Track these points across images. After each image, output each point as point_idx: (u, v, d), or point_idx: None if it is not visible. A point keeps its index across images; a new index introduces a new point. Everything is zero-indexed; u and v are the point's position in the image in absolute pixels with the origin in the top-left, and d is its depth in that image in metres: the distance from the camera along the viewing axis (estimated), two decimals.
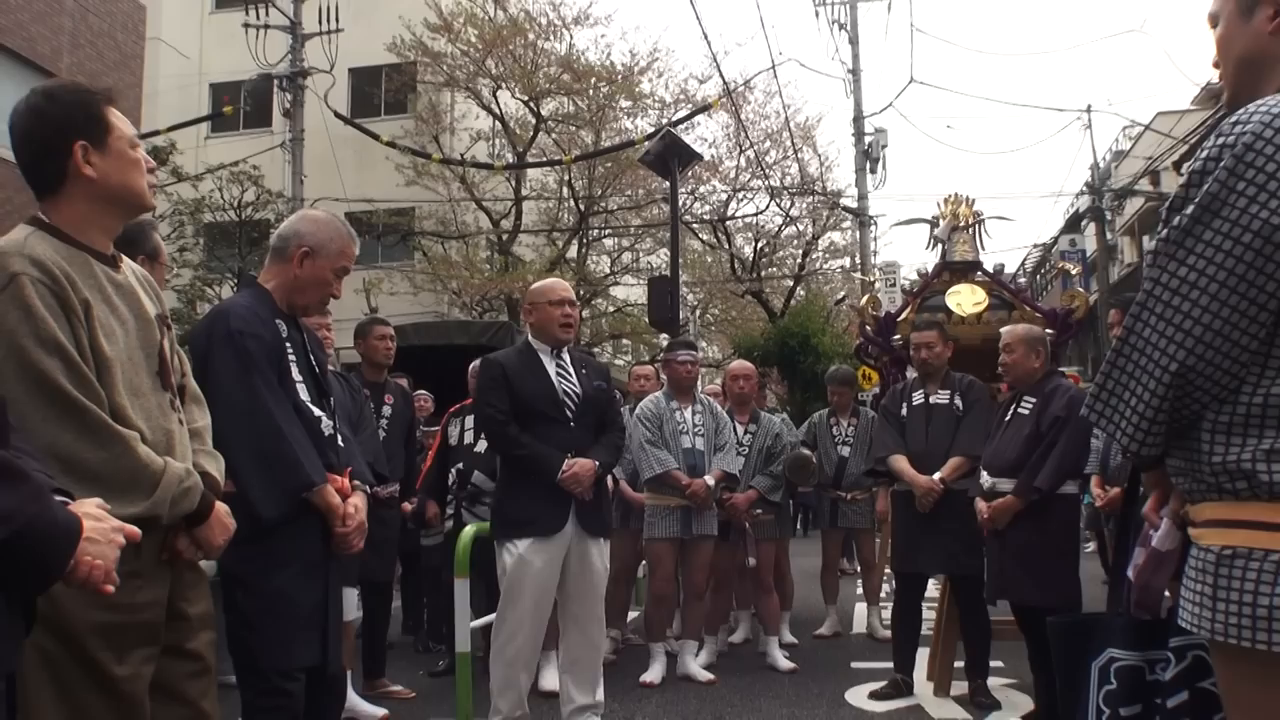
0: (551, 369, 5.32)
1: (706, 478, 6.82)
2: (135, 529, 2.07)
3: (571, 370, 5.37)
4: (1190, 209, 1.86)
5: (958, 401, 6.30)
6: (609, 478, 6.69)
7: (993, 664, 6.34)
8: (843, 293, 30.98)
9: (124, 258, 2.72)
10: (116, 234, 2.69)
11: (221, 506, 2.73)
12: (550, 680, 6.20)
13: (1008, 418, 5.76)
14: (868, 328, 8.31)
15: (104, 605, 2.18)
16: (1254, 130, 1.81)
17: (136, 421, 2.49)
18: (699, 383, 8.36)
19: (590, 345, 22.64)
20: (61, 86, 2.66)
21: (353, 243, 3.72)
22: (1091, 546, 11.64)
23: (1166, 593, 2.41)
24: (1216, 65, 2.14)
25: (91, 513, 1.95)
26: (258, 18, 20.08)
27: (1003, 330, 5.98)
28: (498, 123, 26.07)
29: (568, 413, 5.27)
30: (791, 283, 30.29)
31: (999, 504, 5.54)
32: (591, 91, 25.73)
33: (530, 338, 5.47)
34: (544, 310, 5.39)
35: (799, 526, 18.58)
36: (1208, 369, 1.83)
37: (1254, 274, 1.78)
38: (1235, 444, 1.84)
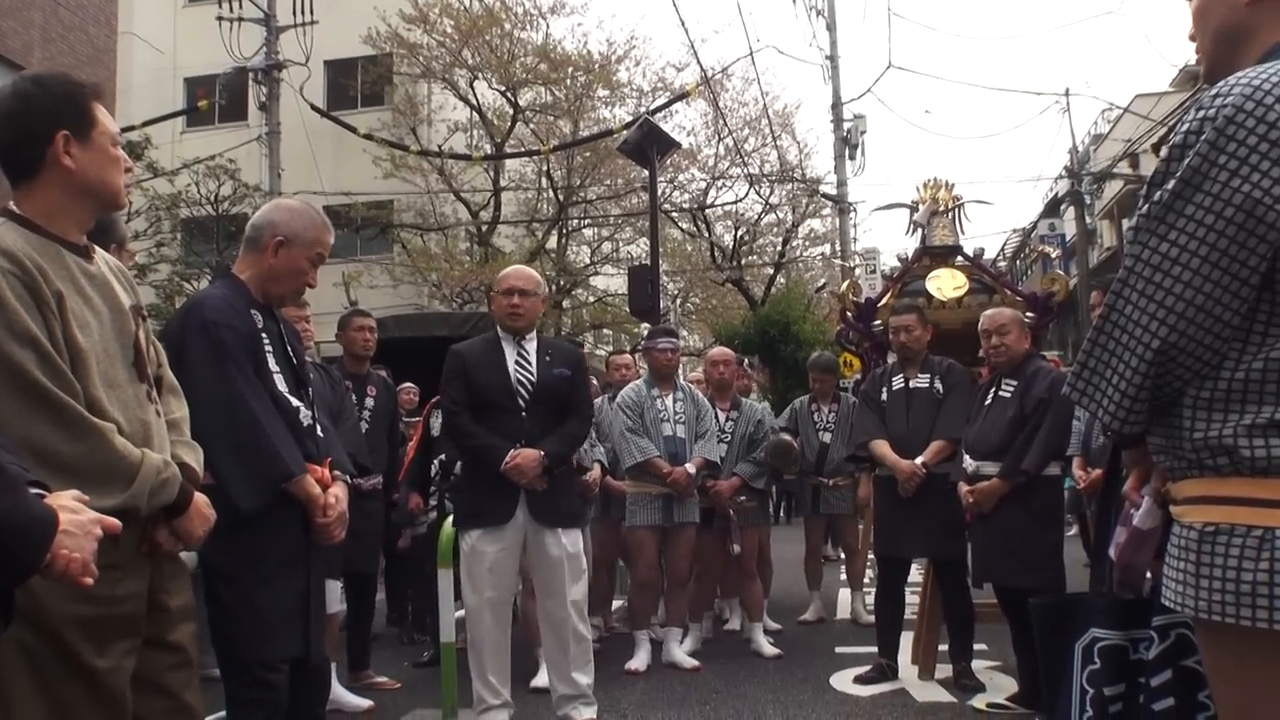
0: (511, 357, 5.34)
1: (687, 466, 6.82)
2: (115, 521, 2.05)
3: (533, 358, 5.38)
4: (1171, 184, 1.84)
5: (938, 385, 6.30)
6: (596, 466, 6.70)
7: (976, 647, 6.37)
8: (823, 280, 31.04)
9: (97, 248, 2.70)
10: (89, 227, 2.67)
11: (200, 497, 2.71)
12: (543, 676, 6.15)
13: (988, 401, 5.77)
14: (848, 314, 8.32)
15: (83, 598, 2.16)
16: (1235, 103, 1.80)
17: (113, 413, 2.47)
18: (680, 371, 8.35)
19: (571, 335, 22.63)
20: (51, 75, 2.65)
21: (327, 231, 3.70)
22: (1073, 529, 11.68)
23: (1149, 572, 2.41)
24: (1193, 38, 2.13)
25: (68, 505, 1.93)
26: (231, 10, 19.96)
27: (989, 313, 5.96)
28: (475, 114, 26.04)
29: (520, 401, 5.27)
30: (772, 270, 30.35)
31: (984, 487, 5.56)
32: (569, 81, 25.71)
33: (498, 326, 5.52)
34: (496, 300, 5.54)
35: (782, 513, 18.63)
36: (1190, 345, 1.82)
37: (1236, 248, 1.77)
38: (1217, 420, 1.83)
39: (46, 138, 2.51)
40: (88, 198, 2.60)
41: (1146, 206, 1.89)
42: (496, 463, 5.12)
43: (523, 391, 5.29)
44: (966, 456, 5.73)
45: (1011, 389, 5.66)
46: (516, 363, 5.33)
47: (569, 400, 5.44)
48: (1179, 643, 2.22)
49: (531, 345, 5.43)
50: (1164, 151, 1.90)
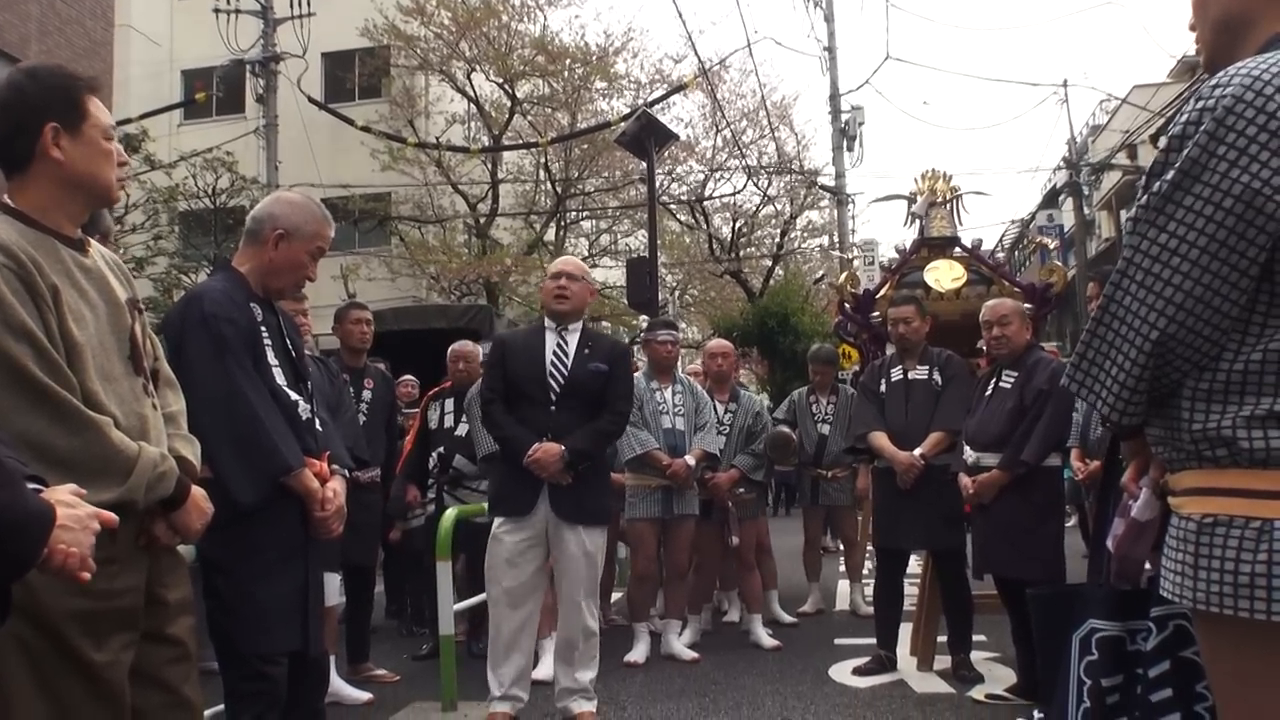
0: (550, 348, 5.33)
1: (687, 458, 6.81)
2: (112, 515, 2.04)
3: (571, 350, 5.34)
4: (1170, 174, 1.84)
5: (936, 377, 6.29)
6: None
7: (975, 638, 6.37)
8: (821, 271, 31.01)
9: (92, 242, 2.69)
10: (83, 220, 2.66)
11: (198, 491, 2.70)
12: (545, 668, 6.13)
13: (989, 392, 5.77)
14: (847, 305, 8.31)
15: (81, 592, 2.16)
16: (1234, 93, 1.79)
17: (109, 407, 2.46)
18: (679, 363, 8.35)
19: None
20: (46, 67, 2.64)
21: (328, 224, 3.69)
22: (1072, 520, 11.67)
23: (1147, 564, 2.41)
24: (1193, 28, 2.12)
25: (65, 500, 1.92)
26: (228, 2, 19.93)
27: (991, 304, 5.95)
28: (473, 106, 26.02)
29: (551, 395, 5.25)
30: (770, 262, 30.33)
31: (984, 479, 5.56)
32: (566, 73, 25.68)
33: (545, 313, 5.55)
34: (545, 285, 5.56)
35: (781, 505, 18.64)
36: (1189, 336, 1.81)
37: (1235, 239, 1.77)
38: (1215, 411, 1.83)
39: (35, 130, 2.50)
40: (78, 191, 2.58)
41: (1145, 197, 1.88)
42: (519, 454, 5.14)
43: (554, 384, 5.27)
44: (967, 448, 5.73)
45: (1012, 380, 5.66)
46: (554, 353, 5.32)
47: (603, 395, 5.38)
48: (1177, 634, 2.22)
49: (574, 336, 5.39)
50: (1163, 142, 1.90)
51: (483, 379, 5.50)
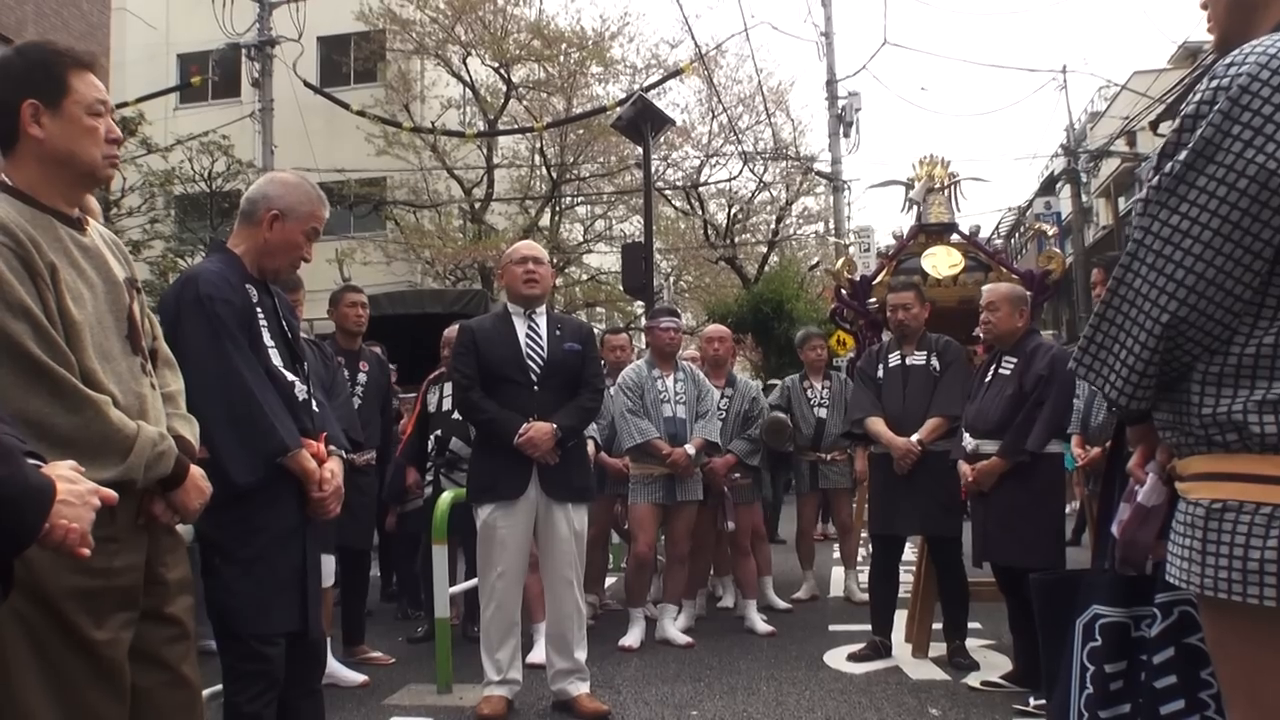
0: (522, 332, 5.37)
1: (687, 447, 6.79)
2: (112, 492, 2.03)
3: (543, 333, 5.40)
4: (1183, 154, 1.82)
5: (934, 363, 6.28)
6: (590, 442, 6.71)
7: (971, 625, 6.37)
8: (817, 258, 30.96)
9: (90, 220, 2.66)
10: (79, 199, 2.63)
11: (196, 470, 2.69)
12: (539, 653, 6.11)
13: (988, 379, 5.75)
14: (843, 291, 8.30)
15: (81, 570, 2.15)
16: (1249, 72, 1.77)
17: (108, 386, 2.45)
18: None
19: (565, 313, 22.58)
20: (34, 44, 2.62)
21: (322, 204, 3.68)
22: (1069, 508, 11.67)
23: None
24: (1204, 7, 2.10)
25: (65, 475, 1.92)
26: None
27: (984, 289, 5.94)
28: (468, 90, 25.97)
29: (532, 376, 5.30)
30: (765, 249, 30.28)
31: (984, 466, 5.54)
32: (562, 58, 25.61)
33: (506, 301, 5.54)
34: (509, 271, 5.51)
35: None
36: (1200, 319, 1.80)
37: (1249, 221, 1.75)
38: (1226, 395, 1.82)
39: (15, 107, 2.48)
40: (62, 169, 2.54)
41: (1157, 178, 1.86)
42: (509, 436, 5.15)
43: (534, 365, 5.32)
44: (966, 435, 5.72)
45: (1012, 366, 5.64)
46: (527, 336, 5.37)
47: (580, 374, 5.46)
48: (1182, 620, 2.20)
49: (542, 320, 5.45)
50: (1175, 121, 1.88)
51: (455, 367, 5.46)
